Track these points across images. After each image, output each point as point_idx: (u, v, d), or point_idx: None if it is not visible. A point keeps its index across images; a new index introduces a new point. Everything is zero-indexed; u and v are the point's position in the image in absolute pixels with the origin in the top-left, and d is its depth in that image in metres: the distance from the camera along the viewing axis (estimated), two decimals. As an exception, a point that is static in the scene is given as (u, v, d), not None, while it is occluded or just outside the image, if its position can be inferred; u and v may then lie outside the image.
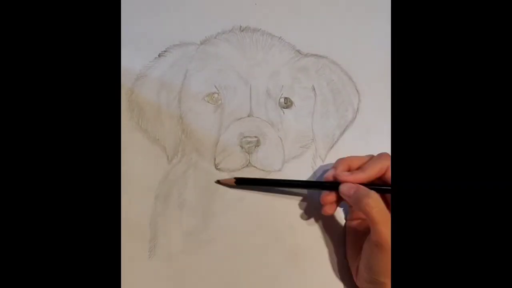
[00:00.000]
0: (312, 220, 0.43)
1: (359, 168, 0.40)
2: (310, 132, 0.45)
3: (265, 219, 0.43)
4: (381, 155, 0.40)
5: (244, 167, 0.43)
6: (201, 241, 0.42)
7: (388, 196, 0.40)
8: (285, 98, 0.45)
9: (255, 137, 0.43)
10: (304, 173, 0.44)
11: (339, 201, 0.40)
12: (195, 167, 0.44)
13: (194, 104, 0.44)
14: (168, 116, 0.44)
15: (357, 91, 0.46)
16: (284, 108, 0.45)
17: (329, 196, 0.40)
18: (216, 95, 0.44)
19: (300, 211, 0.43)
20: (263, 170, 0.43)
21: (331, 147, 0.45)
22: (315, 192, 0.43)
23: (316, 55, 0.46)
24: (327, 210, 0.41)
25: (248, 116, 0.44)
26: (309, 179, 0.44)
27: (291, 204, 0.43)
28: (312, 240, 0.43)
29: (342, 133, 0.46)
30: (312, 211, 0.43)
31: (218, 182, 0.43)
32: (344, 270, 0.42)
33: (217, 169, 0.43)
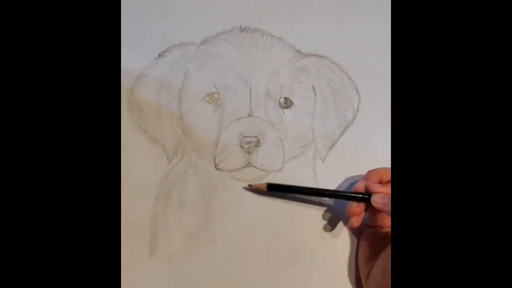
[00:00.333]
0: (312, 220, 0.43)
1: (389, 182, 0.40)
2: (310, 132, 0.45)
3: (265, 219, 0.43)
4: None
5: (244, 167, 0.43)
6: (201, 241, 0.42)
7: None
8: (285, 98, 0.45)
9: (255, 137, 0.43)
10: (304, 173, 0.44)
11: (364, 213, 0.41)
12: (195, 167, 0.44)
13: (194, 104, 0.44)
14: (168, 116, 0.44)
15: (357, 91, 0.46)
16: (284, 108, 0.45)
17: (357, 208, 0.40)
18: (216, 95, 0.44)
19: (300, 211, 0.43)
20: (263, 170, 0.43)
21: (331, 147, 0.45)
22: (315, 192, 0.43)
23: (316, 55, 0.46)
24: (355, 222, 0.41)
25: (248, 116, 0.44)
26: (309, 180, 0.44)
27: (291, 204, 0.43)
28: (312, 240, 0.43)
29: (342, 133, 0.46)
30: (312, 211, 0.43)
31: (250, 186, 0.43)
32: (344, 270, 0.42)
33: (217, 169, 0.43)
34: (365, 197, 0.40)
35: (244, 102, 0.44)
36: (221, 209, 0.43)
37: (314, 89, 0.46)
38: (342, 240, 0.43)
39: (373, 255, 0.40)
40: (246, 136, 0.43)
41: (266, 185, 0.42)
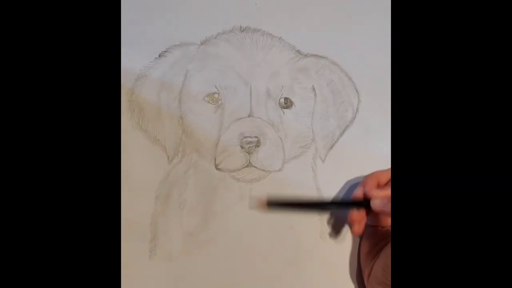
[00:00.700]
0: (312, 220, 0.43)
1: (387, 183, 0.40)
2: (310, 132, 0.45)
3: (265, 219, 0.43)
4: None
5: (244, 167, 0.43)
6: (201, 241, 0.42)
7: None
8: (285, 98, 0.45)
9: (255, 137, 0.43)
10: (304, 173, 0.44)
11: (366, 218, 0.41)
12: (196, 167, 0.44)
13: (194, 104, 0.44)
14: (168, 116, 0.44)
15: (357, 91, 0.46)
16: (284, 108, 0.45)
17: (358, 215, 0.41)
18: (216, 95, 0.44)
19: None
20: (263, 170, 0.43)
21: (331, 147, 0.45)
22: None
23: (316, 55, 0.46)
24: (357, 229, 0.41)
25: (248, 116, 0.44)
26: (309, 180, 0.44)
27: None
28: (312, 240, 0.43)
29: (342, 133, 0.46)
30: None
31: (251, 206, 0.42)
32: (344, 270, 0.42)
33: (217, 169, 0.43)
34: (364, 203, 0.40)
35: (244, 102, 0.44)
36: (221, 209, 0.43)
37: (314, 89, 0.46)
38: (341, 240, 0.43)
39: (375, 254, 0.40)
40: (247, 136, 0.43)
41: (266, 203, 0.41)
